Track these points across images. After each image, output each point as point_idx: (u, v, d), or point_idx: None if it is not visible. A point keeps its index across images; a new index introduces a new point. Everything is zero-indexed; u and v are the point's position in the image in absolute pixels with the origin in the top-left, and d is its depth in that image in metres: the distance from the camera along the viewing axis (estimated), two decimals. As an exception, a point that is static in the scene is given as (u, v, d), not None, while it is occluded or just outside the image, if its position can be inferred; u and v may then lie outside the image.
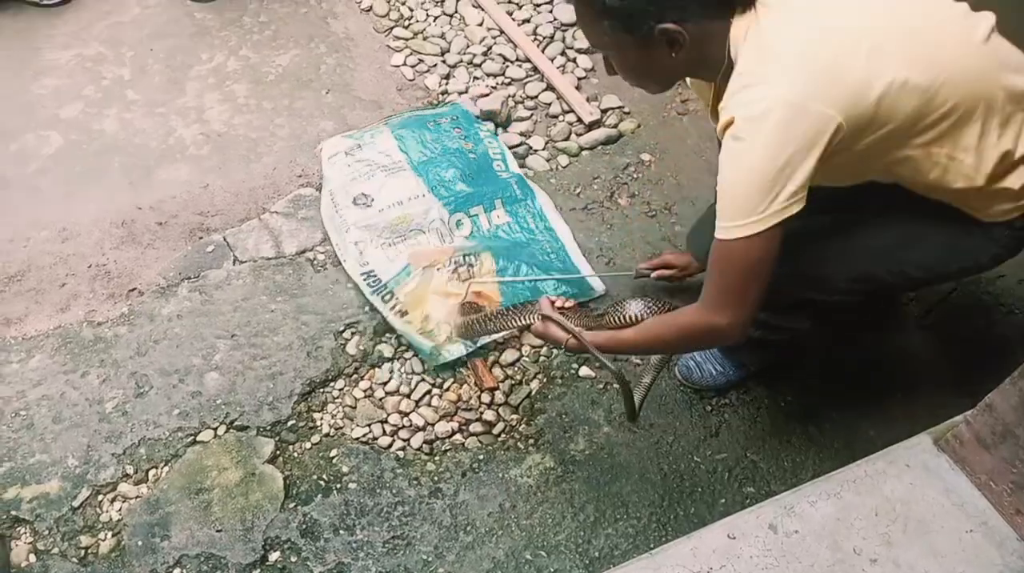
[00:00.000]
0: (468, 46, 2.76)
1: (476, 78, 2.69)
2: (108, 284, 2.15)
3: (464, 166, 2.30)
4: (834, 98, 1.23)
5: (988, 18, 1.40)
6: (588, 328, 1.53)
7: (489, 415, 1.95)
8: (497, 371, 2.03)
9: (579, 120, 2.59)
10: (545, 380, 2.01)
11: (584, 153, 2.51)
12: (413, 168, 2.28)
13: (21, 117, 2.50)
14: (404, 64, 2.72)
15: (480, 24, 2.83)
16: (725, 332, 1.36)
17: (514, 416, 1.95)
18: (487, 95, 2.61)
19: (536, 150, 2.53)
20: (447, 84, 2.67)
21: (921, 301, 2.11)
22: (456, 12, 2.87)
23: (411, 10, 2.87)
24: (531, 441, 1.90)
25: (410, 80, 2.68)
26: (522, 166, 2.48)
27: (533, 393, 1.99)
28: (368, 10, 2.86)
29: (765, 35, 1.28)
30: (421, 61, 2.73)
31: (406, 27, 2.82)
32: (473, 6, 2.88)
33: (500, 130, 2.56)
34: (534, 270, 2.12)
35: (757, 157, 1.25)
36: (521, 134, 2.56)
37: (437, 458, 1.89)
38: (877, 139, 1.31)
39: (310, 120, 2.53)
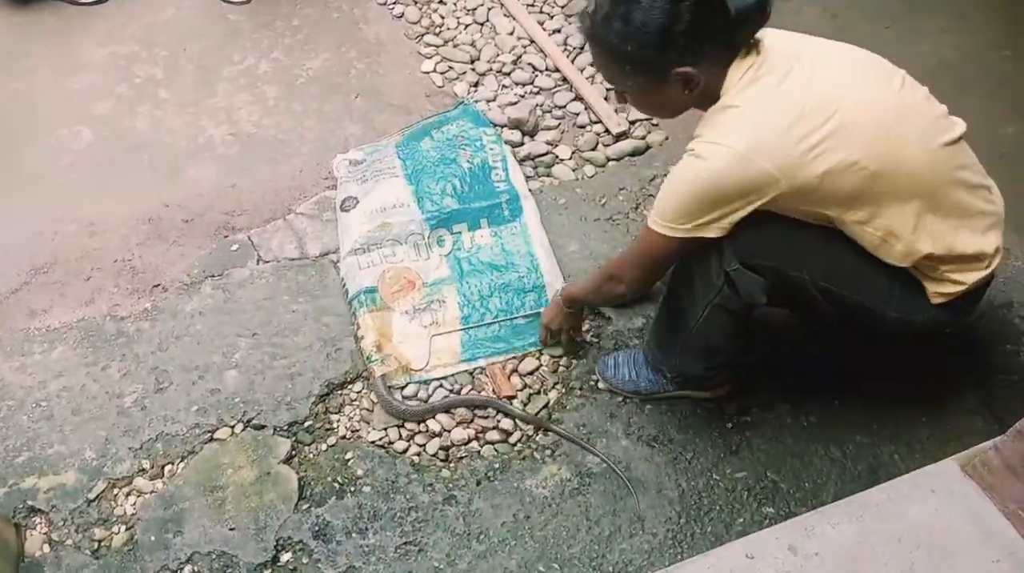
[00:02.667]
0: (498, 54, 2.76)
1: (505, 86, 2.69)
2: (132, 279, 2.16)
3: (458, 177, 2.27)
4: (781, 163, 1.38)
5: (959, 125, 1.51)
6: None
7: (506, 424, 1.93)
8: (515, 379, 2.01)
9: (607, 131, 2.58)
10: (564, 390, 1.99)
11: (611, 164, 2.50)
12: (406, 176, 2.28)
13: (55, 112, 2.53)
14: (434, 71, 2.73)
15: (511, 33, 2.83)
16: (618, 287, 1.69)
17: (530, 425, 1.93)
18: (515, 103, 2.61)
19: (563, 159, 2.52)
20: (476, 92, 2.68)
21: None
22: (487, 20, 2.88)
23: (443, 17, 2.88)
24: (548, 452, 1.88)
25: (439, 87, 2.68)
26: (548, 175, 2.48)
27: (551, 403, 1.97)
28: (400, 16, 2.88)
29: (753, 87, 1.41)
30: (451, 68, 2.74)
31: (437, 34, 2.83)
32: (504, 15, 2.88)
33: (527, 138, 2.56)
34: (502, 305, 2.10)
35: (698, 182, 1.43)
36: (548, 143, 2.55)
37: (452, 465, 1.87)
38: (815, 205, 1.45)
39: (338, 123, 2.54)
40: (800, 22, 2.47)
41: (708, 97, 1.47)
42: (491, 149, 2.38)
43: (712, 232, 1.48)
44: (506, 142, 2.49)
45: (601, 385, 1.99)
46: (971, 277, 1.53)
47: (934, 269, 1.52)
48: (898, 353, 1.99)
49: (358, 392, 1.99)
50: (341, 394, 1.98)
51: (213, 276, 2.17)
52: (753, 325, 1.66)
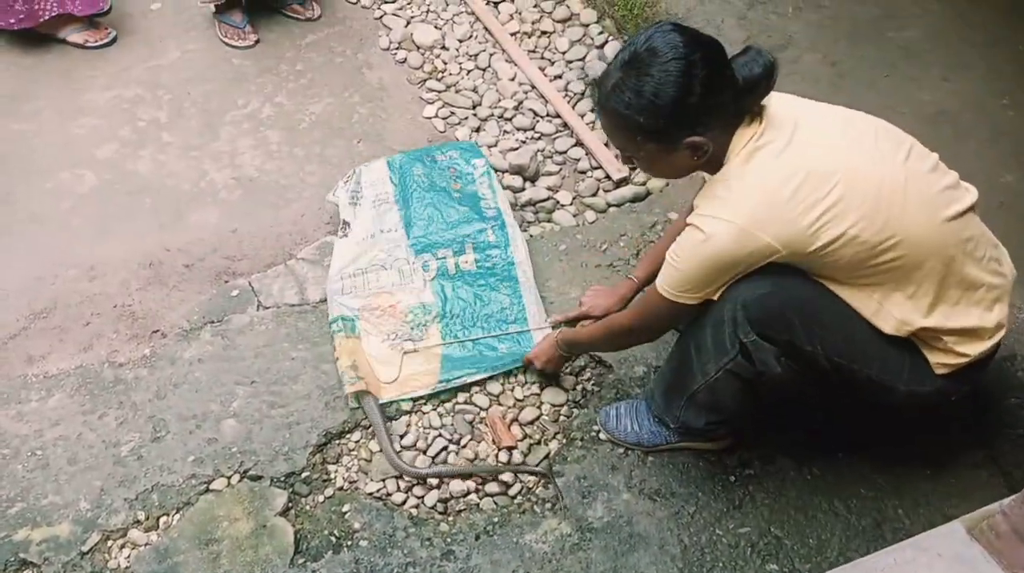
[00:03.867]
0: (500, 100, 2.78)
1: (506, 132, 2.71)
2: (132, 325, 2.16)
3: (447, 205, 2.29)
4: (781, 236, 1.41)
5: (970, 194, 1.52)
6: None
7: (506, 475, 1.91)
8: (516, 429, 1.99)
9: (607, 177, 2.59)
10: (565, 441, 1.97)
11: (611, 210, 2.50)
12: (396, 200, 2.29)
13: (58, 155, 2.54)
14: (436, 116, 2.74)
15: (512, 79, 2.85)
16: (626, 340, 1.77)
17: (531, 477, 1.91)
18: (517, 149, 2.63)
19: (563, 205, 2.53)
20: (478, 137, 2.69)
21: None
22: (489, 66, 2.90)
23: (445, 63, 2.90)
24: (548, 505, 1.86)
25: (441, 132, 2.70)
26: (549, 220, 2.48)
27: (552, 454, 1.95)
28: (403, 62, 2.90)
29: (755, 158, 1.43)
30: (453, 113, 2.76)
31: (439, 79, 2.85)
32: (506, 61, 2.91)
33: (528, 184, 2.57)
34: (483, 333, 2.11)
35: (701, 257, 1.46)
36: (549, 188, 2.56)
37: (451, 518, 1.85)
38: (817, 269, 1.48)
39: (340, 168, 2.55)
40: (799, 69, 2.50)
41: (713, 162, 1.49)
42: (481, 181, 2.38)
43: (709, 297, 1.53)
44: (507, 187, 2.49)
45: (603, 436, 1.97)
46: (974, 349, 1.53)
47: (936, 339, 1.52)
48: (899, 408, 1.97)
49: (356, 442, 1.97)
50: (339, 444, 1.96)
51: (213, 322, 2.16)
52: (762, 388, 1.65)
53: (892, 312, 1.48)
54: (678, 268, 1.51)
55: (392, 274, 2.17)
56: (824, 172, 1.40)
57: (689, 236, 1.48)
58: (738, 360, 1.58)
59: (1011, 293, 1.58)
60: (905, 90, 2.48)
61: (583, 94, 2.79)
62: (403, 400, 2.02)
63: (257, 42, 2.89)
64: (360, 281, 2.16)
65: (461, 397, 2.06)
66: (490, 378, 2.08)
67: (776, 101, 1.49)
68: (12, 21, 2.72)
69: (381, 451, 1.93)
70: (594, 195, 2.56)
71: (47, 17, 2.76)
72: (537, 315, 2.16)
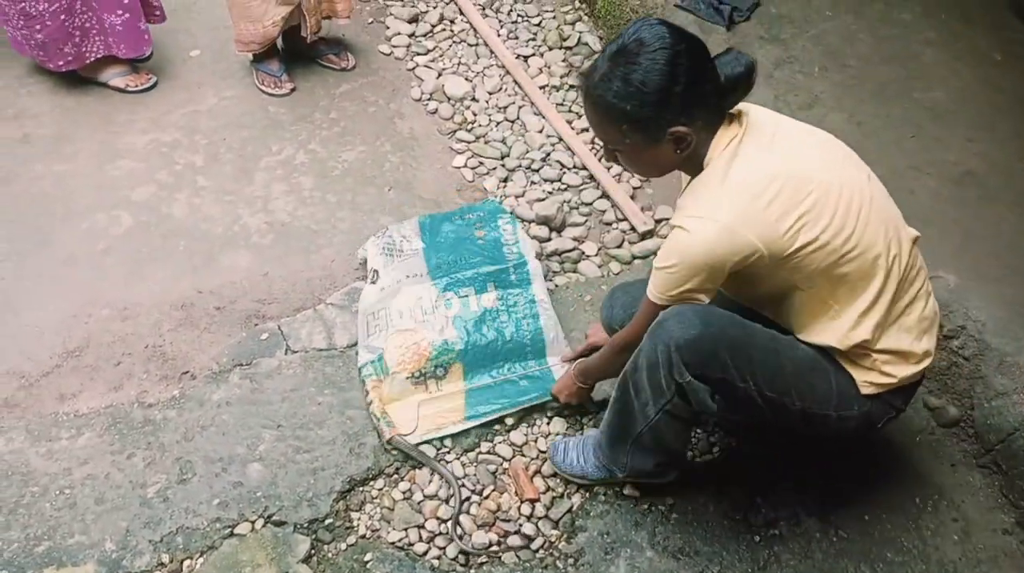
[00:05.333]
0: (527, 151, 2.83)
1: (533, 183, 2.75)
2: (162, 366, 2.18)
3: (470, 249, 2.34)
4: (762, 235, 1.46)
5: (912, 231, 1.63)
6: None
7: (528, 528, 1.90)
8: (539, 482, 1.99)
9: (632, 229, 2.62)
10: (588, 495, 1.96)
11: (636, 262, 2.53)
12: (424, 252, 2.34)
13: (95, 197, 2.61)
14: (465, 166, 2.79)
15: (540, 131, 2.91)
16: (634, 347, 1.68)
17: (554, 531, 1.91)
18: (543, 200, 2.66)
19: (589, 255, 2.56)
20: (505, 187, 2.73)
21: (981, 439, 2.04)
22: (518, 118, 2.96)
23: (475, 115, 2.96)
24: (570, 560, 1.85)
25: (470, 182, 2.75)
26: (574, 271, 2.51)
27: (575, 508, 1.95)
28: (434, 112, 2.96)
29: (737, 159, 1.49)
30: (481, 164, 2.80)
31: (469, 130, 2.91)
32: (535, 114, 2.97)
33: (554, 234, 2.60)
34: (506, 370, 2.16)
35: (689, 255, 1.50)
36: (575, 239, 2.59)
37: (472, 571, 1.84)
38: (788, 272, 1.52)
39: (371, 215, 2.60)
40: (824, 128, 2.50)
41: (693, 160, 1.55)
42: (505, 228, 2.42)
43: (703, 296, 1.57)
44: (533, 237, 2.53)
45: (545, 469, 2.01)
46: (901, 371, 1.60)
47: (866, 357, 1.58)
48: (933, 471, 1.96)
49: (379, 489, 1.97)
50: (362, 491, 1.96)
51: (241, 365, 2.18)
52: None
53: (844, 323, 1.54)
54: (666, 270, 1.55)
55: (416, 313, 2.21)
56: (802, 178, 1.47)
57: (674, 236, 1.52)
58: (675, 401, 1.63)
59: (937, 329, 1.67)
60: (931, 151, 2.50)
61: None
62: (432, 439, 2.04)
63: (293, 90, 2.96)
64: (384, 321, 2.19)
65: (484, 446, 2.07)
66: (514, 428, 2.09)
67: (756, 110, 1.57)
68: (60, 63, 2.81)
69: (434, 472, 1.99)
70: (619, 247, 2.58)
71: (92, 59, 2.85)
72: (559, 351, 2.20)
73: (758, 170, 1.47)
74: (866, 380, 1.61)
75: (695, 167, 1.55)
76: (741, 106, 1.55)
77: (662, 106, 1.45)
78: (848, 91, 2.63)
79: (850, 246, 1.48)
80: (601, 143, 1.65)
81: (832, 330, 1.57)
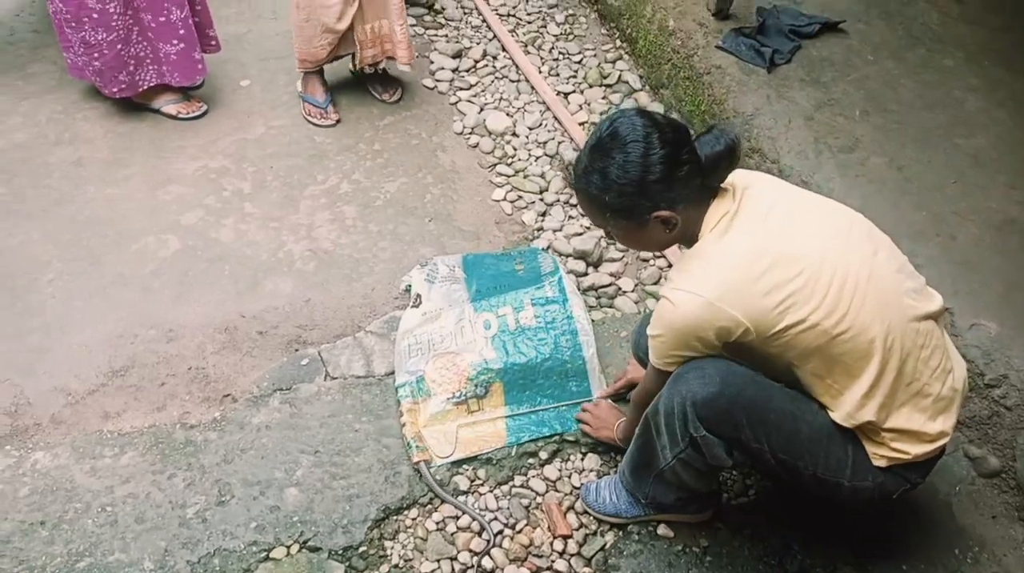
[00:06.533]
0: (565, 186, 2.86)
1: (571, 217, 2.78)
2: (205, 388, 2.23)
3: (509, 275, 2.39)
4: (748, 312, 1.46)
5: (935, 302, 1.57)
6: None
7: (560, 565, 1.90)
8: (572, 518, 1.99)
9: (669, 265, 2.63)
10: (621, 534, 1.96)
11: (673, 300, 2.53)
12: (465, 281, 2.38)
13: (145, 220, 2.68)
14: (504, 199, 2.83)
15: (579, 166, 2.94)
16: (645, 401, 1.74)
17: (586, 569, 1.90)
18: (581, 235, 2.69)
19: (625, 291, 2.57)
20: (543, 221, 2.77)
21: (1023, 491, 2.01)
22: (557, 154, 3.00)
23: (515, 149, 3.01)
24: (603, 599, 1.84)
25: (508, 215, 2.78)
26: (610, 306, 2.52)
27: (608, 546, 1.94)
28: (475, 146, 3.01)
29: (728, 235, 1.51)
30: (520, 198, 2.84)
31: (509, 165, 2.95)
32: (574, 150, 3.00)
33: (591, 269, 2.62)
34: (544, 393, 2.17)
35: (674, 328, 1.53)
36: (612, 274, 2.61)
37: (505, 605, 1.84)
38: (780, 349, 1.51)
39: (411, 245, 2.64)
40: (865, 172, 2.53)
41: (687, 236, 1.58)
42: (544, 261, 2.45)
43: (687, 361, 1.60)
44: (570, 271, 2.55)
45: (578, 505, 2.01)
46: (912, 449, 1.56)
47: (876, 433, 1.55)
48: (974, 522, 1.93)
49: (413, 519, 1.99)
50: (396, 520, 1.98)
51: (282, 389, 2.22)
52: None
53: (846, 402, 1.52)
54: (657, 339, 1.58)
55: (456, 335, 2.24)
56: (792, 256, 1.47)
57: (661, 307, 1.55)
58: (688, 452, 1.64)
59: (959, 406, 1.61)
60: (972, 197, 2.49)
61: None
62: (467, 462, 2.07)
63: (338, 122, 3.04)
64: (425, 343, 2.23)
65: (518, 480, 2.07)
66: (548, 463, 2.10)
67: (755, 182, 1.58)
68: (115, 90, 2.91)
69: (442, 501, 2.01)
70: (656, 283, 2.59)
71: (146, 87, 2.95)
72: (597, 369, 2.23)
73: (748, 247, 1.49)
74: (878, 453, 1.57)
75: (690, 241, 1.59)
76: (743, 178, 1.58)
77: (641, 195, 1.50)
78: (889, 135, 2.64)
79: (842, 328, 1.46)
80: (594, 226, 1.71)
81: (836, 408, 1.55)
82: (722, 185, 1.57)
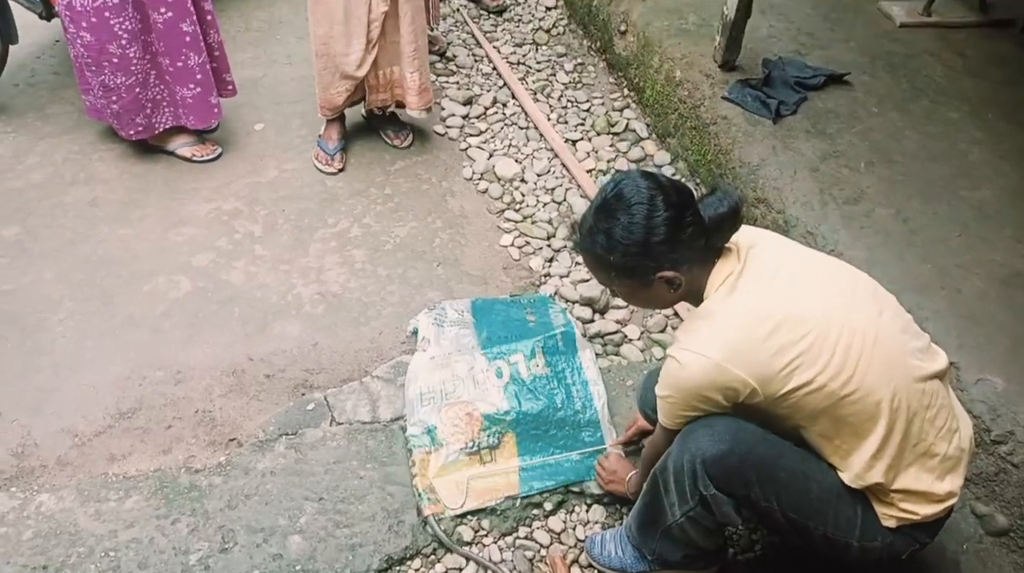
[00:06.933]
0: (571, 244, 2.89)
1: (578, 263, 2.80)
2: (211, 431, 2.23)
3: (520, 324, 2.39)
4: (755, 373, 1.47)
5: (939, 361, 1.58)
6: None
7: (566, 619, 1.89)
8: (576, 571, 1.98)
9: (675, 313, 2.64)
10: (625, 587, 1.94)
11: (679, 348, 2.54)
12: (475, 325, 2.39)
13: (157, 261, 2.71)
14: (512, 245, 2.86)
15: (587, 212, 2.97)
16: (654, 459, 1.74)
17: (591, 622, 1.89)
18: (588, 281, 2.71)
19: (631, 339, 2.58)
20: (550, 267, 2.79)
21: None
22: (564, 200, 3.03)
23: (523, 195, 3.05)
24: (607, 654, 1.82)
25: (516, 260, 2.81)
26: (616, 354, 2.53)
27: (611, 599, 1.93)
28: (484, 192, 3.05)
29: (733, 295, 1.52)
30: (528, 243, 2.87)
31: (517, 210, 2.99)
32: (581, 196, 3.04)
33: (597, 316, 2.63)
34: (557, 443, 2.16)
35: (681, 389, 1.54)
36: (618, 322, 2.62)
37: (508, 659, 1.82)
38: (787, 410, 1.51)
39: (419, 290, 2.66)
40: (871, 224, 2.54)
41: (692, 295, 1.59)
42: (555, 316, 2.46)
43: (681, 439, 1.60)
44: (577, 318, 2.56)
45: (583, 559, 1.99)
46: (922, 509, 1.55)
47: (885, 494, 1.54)
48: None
49: (416, 570, 1.97)
50: (399, 570, 1.97)
51: (287, 434, 2.22)
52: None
53: (854, 464, 1.52)
54: (665, 399, 1.59)
55: (468, 384, 2.24)
56: (799, 318, 1.47)
57: (668, 367, 1.56)
58: (697, 510, 1.63)
59: (967, 465, 1.60)
60: (977, 250, 2.50)
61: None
62: (473, 513, 2.06)
63: (341, 170, 3.08)
64: (438, 392, 2.23)
65: (522, 531, 2.06)
66: (552, 514, 2.09)
67: (759, 241, 1.60)
68: (132, 132, 2.96)
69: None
70: (662, 331, 2.60)
71: (162, 129, 3.01)
72: (608, 419, 2.22)
73: (754, 308, 1.49)
74: (887, 513, 1.57)
75: (695, 300, 1.60)
76: (748, 236, 1.60)
77: (645, 256, 1.52)
78: (894, 187, 2.66)
79: (849, 389, 1.46)
80: (599, 284, 1.73)
81: (844, 469, 1.54)
82: (727, 245, 1.59)
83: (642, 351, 2.53)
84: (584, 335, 2.49)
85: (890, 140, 2.84)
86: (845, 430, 1.50)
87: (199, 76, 2.89)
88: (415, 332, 2.47)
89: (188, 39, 2.80)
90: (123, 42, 2.72)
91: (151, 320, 2.53)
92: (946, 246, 2.51)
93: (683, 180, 3.07)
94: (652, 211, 1.50)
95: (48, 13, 3.28)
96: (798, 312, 1.48)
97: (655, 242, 1.50)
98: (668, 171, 3.13)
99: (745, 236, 1.61)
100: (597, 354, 2.49)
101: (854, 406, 1.47)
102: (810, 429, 1.54)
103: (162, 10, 2.72)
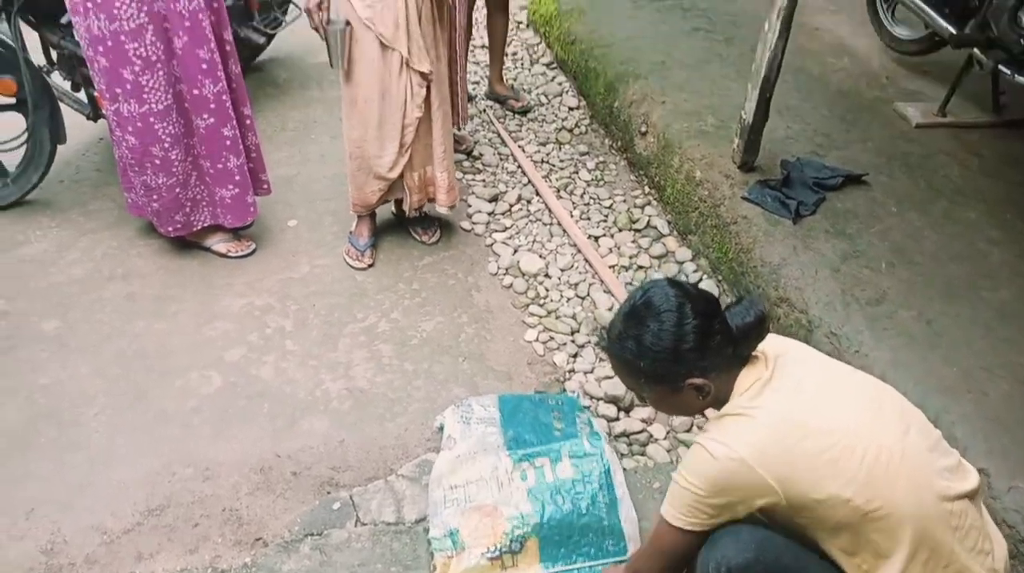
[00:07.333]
0: (597, 328, 2.93)
1: (602, 360, 2.83)
2: (237, 530, 2.25)
3: (546, 428, 2.38)
4: (780, 478, 1.47)
5: (970, 480, 1.56)
6: None
7: None
8: None
9: (703, 413, 2.64)
10: None
11: (704, 448, 2.53)
12: (501, 425, 2.39)
13: (190, 356, 2.78)
14: (536, 340, 2.90)
15: (609, 309, 3.02)
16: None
17: None
18: (612, 378, 2.73)
19: (657, 438, 2.58)
20: (575, 363, 2.82)
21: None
22: (588, 295, 3.09)
23: (547, 290, 3.11)
24: None
25: (540, 356, 2.84)
26: (642, 454, 2.52)
27: None
28: (509, 286, 3.12)
29: (761, 397, 1.54)
30: (552, 338, 2.91)
31: (541, 305, 3.04)
32: (604, 291, 3.09)
33: (623, 414, 2.64)
34: (580, 551, 2.13)
35: (705, 480, 1.52)
36: (643, 421, 2.63)
37: None
38: (808, 523, 1.52)
39: (444, 385, 2.70)
40: (894, 326, 2.56)
41: (718, 402, 1.61)
42: (582, 427, 2.46)
43: (710, 525, 1.58)
44: (601, 416, 2.58)
45: None
46: None
47: None
48: None
49: None
50: None
51: (312, 535, 2.23)
52: None
53: None
54: (682, 486, 1.57)
55: (492, 486, 2.23)
56: (827, 429, 1.48)
57: (696, 454, 1.55)
58: None
59: None
60: (1001, 352, 2.50)
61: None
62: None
63: (371, 266, 3.17)
64: (461, 494, 2.22)
65: (548, 638, 2.03)
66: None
67: (787, 350, 1.62)
68: (170, 229, 3.08)
69: None
70: (688, 431, 2.60)
71: (199, 227, 3.12)
72: (634, 523, 2.20)
73: (783, 416, 1.52)
74: None
75: (723, 405, 1.62)
76: (775, 346, 1.63)
77: (674, 363, 1.56)
78: (916, 288, 2.69)
79: (874, 506, 1.45)
80: (627, 389, 1.77)
81: None
82: (755, 353, 1.62)
83: (668, 451, 2.53)
84: (609, 434, 2.50)
85: (910, 240, 2.89)
86: (867, 548, 1.49)
87: (237, 177, 3.01)
88: (441, 428, 2.49)
89: (228, 143, 2.93)
90: (166, 145, 2.86)
91: (182, 415, 2.58)
92: (970, 348, 2.52)
93: (705, 277, 3.13)
94: (681, 319, 1.55)
95: (95, 115, 3.46)
96: (826, 424, 1.50)
97: (684, 349, 1.54)
98: (690, 267, 3.18)
99: (773, 345, 1.65)
100: (622, 454, 2.49)
101: (878, 524, 1.46)
102: (831, 545, 1.53)
103: (205, 115, 2.87)
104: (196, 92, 2.80)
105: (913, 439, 1.53)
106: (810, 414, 1.52)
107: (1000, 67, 3.31)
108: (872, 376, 1.68)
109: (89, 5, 2.58)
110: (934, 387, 2.33)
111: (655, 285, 1.62)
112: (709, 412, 1.73)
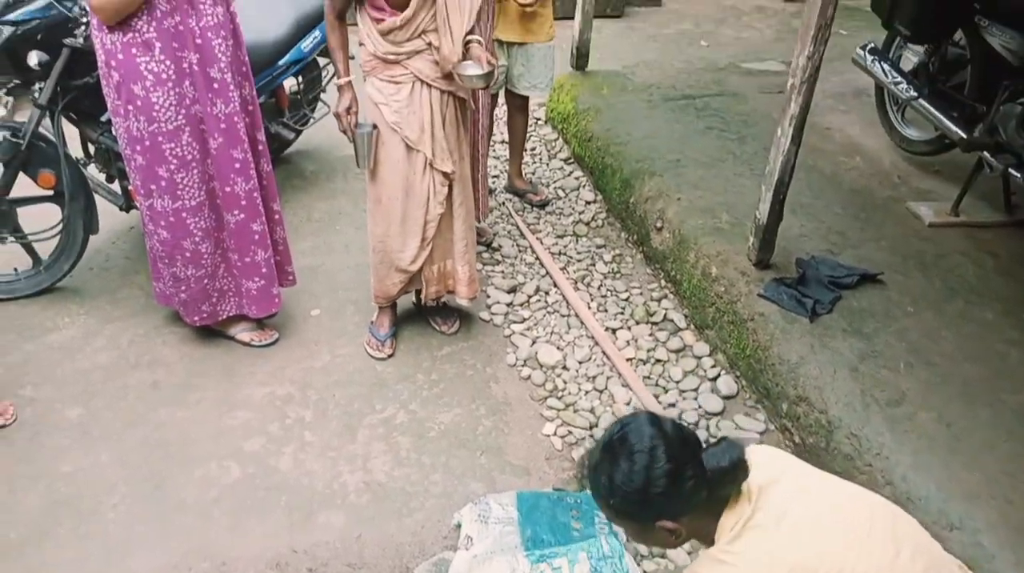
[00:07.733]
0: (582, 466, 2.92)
1: (621, 456, 2.82)
2: (252, 629, 2.22)
3: (565, 527, 2.36)
4: None
5: None
6: None
7: None
8: None
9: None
10: None
11: (724, 549, 2.50)
12: (519, 524, 2.37)
13: (211, 445, 2.79)
14: (554, 434, 2.90)
15: (627, 403, 3.03)
16: None
17: None
18: (630, 475, 2.71)
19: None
20: (593, 459, 2.81)
21: None
22: (606, 389, 3.10)
23: (565, 383, 3.12)
24: None
25: (558, 450, 2.84)
26: (663, 556, 2.49)
27: None
28: (527, 378, 3.14)
29: (741, 539, 1.50)
30: (570, 433, 2.91)
31: (559, 398, 3.06)
32: (622, 385, 3.11)
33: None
34: None
35: None
36: (661, 520, 2.60)
37: None
38: None
39: (462, 480, 2.69)
40: (914, 428, 2.55)
41: (704, 539, 1.59)
42: (600, 528, 2.44)
43: None
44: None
45: None
46: None
47: None
48: None
49: None
50: None
51: (328, 634, 2.20)
52: None
53: None
54: None
55: None
56: (809, 568, 1.45)
57: (710, 569, 1.53)
58: None
59: None
60: (1022, 461, 2.49)
61: (696, 425, 2.92)
62: None
63: (391, 356, 3.21)
64: None
65: None
66: None
67: (776, 477, 1.57)
68: (196, 318, 3.14)
69: None
70: (706, 531, 2.57)
71: (225, 317, 3.19)
72: None
73: (758, 559, 1.48)
74: None
75: (708, 543, 1.60)
76: (766, 471, 1.58)
77: (643, 505, 1.54)
78: (935, 389, 2.69)
79: None
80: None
81: None
82: (742, 487, 1.57)
83: (688, 554, 2.49)
84: (628, 538, 2.47)
85: (927, 340, 2.90)
86: None
87: (264, 270, 3.09)
88: (459, 526, 2.48)
89: (257, 237, 3.03)
90: (197, 239, 2.95)
91: (201, 506, 2.58)
92: (991, 452, 2.50)
93: (723, 373, 3.14)
94: (652, 462, 1.51)
95: (128, 206, 3.58)
96: (807, 561, 1.46)
97: (654, 493, 1.51)
98: (708, 362, 3.20)
99: (764, 473, 1.59)
100: (642, 556, 2.46)
101: None
102: None
103: (235, 211, 2.97)
104: (228, 189, 2.91)
105: (903, 563, 1.49)
106: (791, 550, 1.48)
107: (1010, 170, 3.39)
108: (868, 491, 1.65)
109: (130, 108, 2.71)
110: (957, 493, 2.31)
111: (634, 420, 1.59)
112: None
